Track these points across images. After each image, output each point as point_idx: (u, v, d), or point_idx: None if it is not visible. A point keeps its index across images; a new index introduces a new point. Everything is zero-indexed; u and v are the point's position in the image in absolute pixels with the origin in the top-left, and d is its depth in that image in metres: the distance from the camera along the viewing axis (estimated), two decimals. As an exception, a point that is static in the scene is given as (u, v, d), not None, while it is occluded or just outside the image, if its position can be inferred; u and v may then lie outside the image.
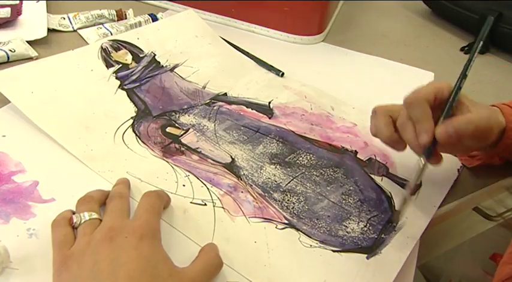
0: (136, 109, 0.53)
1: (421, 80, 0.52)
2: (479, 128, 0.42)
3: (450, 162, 0.52)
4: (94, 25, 0.67)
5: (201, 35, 0.67)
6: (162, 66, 0.60)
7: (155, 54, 0.61)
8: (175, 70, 0.60)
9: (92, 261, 0.33)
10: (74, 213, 0.38)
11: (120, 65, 0.58)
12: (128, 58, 0.60)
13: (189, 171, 0.47)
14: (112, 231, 0.35)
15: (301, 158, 0.51)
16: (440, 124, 0.42)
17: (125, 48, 0.61)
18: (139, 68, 0.59)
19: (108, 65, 0.58)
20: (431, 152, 0.43)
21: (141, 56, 0.61)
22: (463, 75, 0.44)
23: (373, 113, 0.47)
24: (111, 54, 0.59)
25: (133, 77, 0.57)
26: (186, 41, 0.65)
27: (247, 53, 0.67)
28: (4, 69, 0.52)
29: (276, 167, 0.49)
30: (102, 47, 0.59)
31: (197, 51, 0.64)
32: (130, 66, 0.59)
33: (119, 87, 0.55)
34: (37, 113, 0.49)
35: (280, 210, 0.45)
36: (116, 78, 0.56)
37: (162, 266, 0.35)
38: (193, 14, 0.71)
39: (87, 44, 0.63)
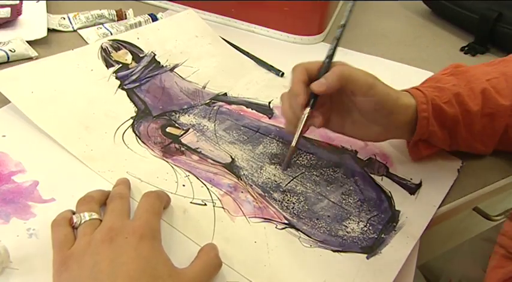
0: (136, 109, 0.53)
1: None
2: (356, 76, 0.44)
3: (450, 162, 0.52)
4: (94, 25, 0.67)
5: (201, 35, 0.67)
6: (162, 66, 0.60)
7: (155, 54, 0.61)
8: (175, 70, 0.60)
9: (92, 262, 0.33)
10: (74, 213, 0.38)
11: (120, 65, 0.58)
12: (128, 58, 0.60)
13: (189, 171, 0.47)
14: (112, 231, 0.35)
15: (301, 158, 0.51)
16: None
17: (125, 48, 0.61)
18: (139, 68, 0.59)
19: (108, 65, 0.58)
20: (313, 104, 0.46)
21: (141, 56, 0.61)
22: (341, 30, 0.48)
23: (292, 71, 0.48)
24: (111, 54, 0.59)
25: (133, 77, 0.57)
26: (186, 41, 0.65)
27: (247, 53, 0.67)
28: (4, 69, 0.53)
29: (276, 167, 0.49)
30: (102, 47, 0.59)
31: (197, 51, 0.64)
32: (130, 66, 0.59)
33: (118, 87, 0.55)
34: (37, 113, 0.49)
35: (280, 210, 0.45)
36: (116, 78, 0.56)
37: (162, 266, 0.35)
38: (193, 14, 0.71)
39: (87, 44, 0.63)
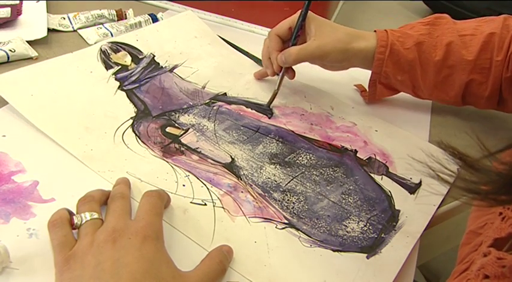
0: (135, 109, 0.53)
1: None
2: (311, 56, 0.55)
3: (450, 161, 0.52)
4: (94, 25, 0.67)
5: (200, 36, 0.67)
6: (162, 66, 0.60)
7: (154, 55, 0.61)
8: (174, 70, 0.60)
9: (95, 262, 0.33)
10: (69, 211, 0.38)
11: (120, 67, 0.58)
12: (127, 59, 0.60)
13: (189, 171, 0.47)
14: (115, 232, 0.35)
15: (301, 158, 0.51)
16: (281, 52, 0.55)
17: (124, 49, 0.61)
18: (139, 69, 0.59)
19: (108, 67, 0.58)
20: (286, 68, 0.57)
21: (140, 57, 0.61)
22: (306, 10, 0.55)
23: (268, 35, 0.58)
24: (111, 56, 0.59)
25: (133, 78, 0.57)
26: (185, 42, 0.65)
27: (247, 53, 0.67)
28: (4, 70, 0.53)
29: (275, 167, 0.49)
30: (101, 49, 0.60)
31: (196, 51, 0.64)
32: (129, 68, 0.59)
33: (118, 88, 0.55)
34: (37, 115, 0.49)
35: (280, 210, 0.45)
36: (116, 79, 0.56)
37: (165, 268, 0.35)
38: (192, 14, 0.71)
39: (87, 44, 0.63)
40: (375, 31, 0.56)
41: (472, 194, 0.26)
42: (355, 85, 0.63)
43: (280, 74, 0.57)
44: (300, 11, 0.55)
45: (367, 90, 0.59)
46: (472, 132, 0.57)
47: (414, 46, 0.53)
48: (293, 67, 0.58)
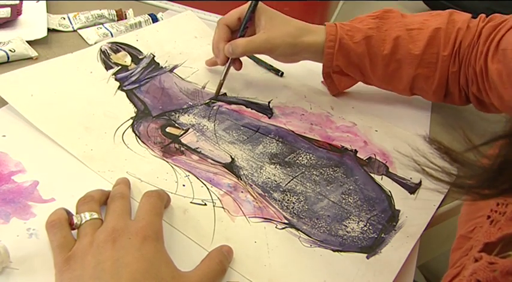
0: (135, 109, 0.53)
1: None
2: (259, 49, 0.55)
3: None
4: (94, 25, 0.67)
5: (200, 36, 0.67)
6: (162, 67, 0.60)
7: (154, 56, 0.61)
8: (174, 71, 0.60)
9: (95, 261, 0.33)
10: (67, 211, 0.38)
11: (120, 67, 0.58)
12: (127, 60, 0.60)
13: (189, 171, 0.47)
14: (115, 232, 0.35)
15: (301, 158, 0.51)
16: (229, 43, 0.55)
17: (124, 50, 0.61)
18: (139, 69, 0.59)
19: (108, 67, 0.58)
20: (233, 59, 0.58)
21: (140, 57, 0.61)
22: (255, 1, 0.55)
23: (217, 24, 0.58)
24: (110, 57, 0.59)
25: (133, 78, 0.57)
26: (185, 42, 0.65)
27: (247, 53, 0.67)
28: (4, 70, 0.53)
29: (275, 167, 0.49)
30: (101, 50, 0.60)
31: (196, 51, 0.64)
32: (129, 68, 0.59)
33: (118, 88, 0.55)
34: (37, 115, 0.49)
35: (280, 210, 0.45)
36: (116, 79, 0.56)
37: (165, 268, 0.35)
38: (192, 15, 0.71)
39: (87, 44, 0.63)
40: (325, 24, 0.56)
41: (456, 188, 0.26)
42: (322, 81, 0.63)
43: (227, 64, 0.57)
44: (250, 1, 0.55)
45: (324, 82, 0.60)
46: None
47: (363, 40, 0.54)
48: (293, 67, 0.57)
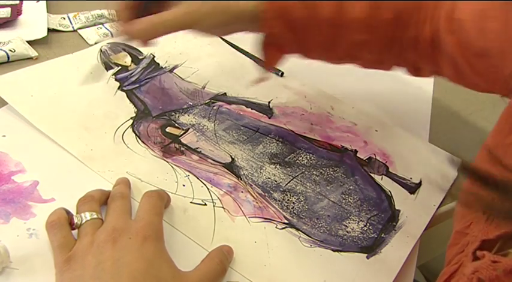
0: (135, 110, 0.53)
1: (421, 79, 0.52)
2: (166, 29, 0.49)
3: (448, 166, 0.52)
4: (94, 25, 0.67)
5: (200, 36, 0.67)
6: (162, 67, 0.60)
7: (154, 56, 0.61)
8: (174, 71, 0.60)
9: (96, 261, 0.33)
10: (67, 211, 0.38)
11: (120, 67, 0.58)
12: (127, 60, 0.60)
13: (189, 171, 0.47)
14: (115, 232, 0.35)
15: (301, 158, 0.51)
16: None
17: (124, 50, 0.61)
18: (139, 69, 0.59)
19: (108, 67, 0.58)
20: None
21: (140, 57, 0.61)
22: None
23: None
24: (110, 57, 0.59)
25: (133, 79, 0.57)
26: (185, 42, 0.65)
27: (247, 52, 0.67)
28: (4, 70, 0.53)
29: (275, 167, 0.49)
30: (101, 50, 0.60)
31: (196, 51, 0.64)
32: (129, 68, 0.59)
33: (118, 88, 0.55)
34: (37, 115, 0.49)
35: (280, 210, 0.45)
36: (116, 80, 0.57)
37: (166, 268, 0.35)
38: (193, 14, 0.71)
39: (87, 44, 0.63)
40: None
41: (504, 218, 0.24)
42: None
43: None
44: None
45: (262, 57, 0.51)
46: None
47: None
48: (293, 67, 0.55)
